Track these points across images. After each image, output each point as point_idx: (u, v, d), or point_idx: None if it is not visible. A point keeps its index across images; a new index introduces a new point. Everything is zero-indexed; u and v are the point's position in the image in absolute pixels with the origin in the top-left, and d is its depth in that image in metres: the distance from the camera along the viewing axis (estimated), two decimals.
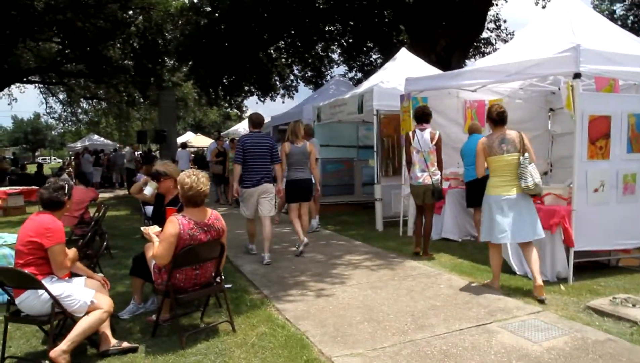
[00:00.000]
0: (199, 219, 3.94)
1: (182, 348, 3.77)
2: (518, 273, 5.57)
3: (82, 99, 28.81)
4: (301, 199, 7.19)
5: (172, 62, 22.66)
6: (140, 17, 19.65)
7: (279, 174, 6.87)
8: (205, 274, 4.06)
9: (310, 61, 21.91)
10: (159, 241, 3.92)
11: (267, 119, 15.60)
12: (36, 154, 70.53)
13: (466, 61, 16.96)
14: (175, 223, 3.82)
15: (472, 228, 7.71)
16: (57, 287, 3.58)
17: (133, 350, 3.77)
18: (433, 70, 9.92)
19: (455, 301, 4.75)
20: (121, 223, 10.59)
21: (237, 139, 9.52)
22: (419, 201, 6.65)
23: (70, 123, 32.69)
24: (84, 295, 3.67)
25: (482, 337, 3.88)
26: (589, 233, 5.23)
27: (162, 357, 3.67)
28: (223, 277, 4.33)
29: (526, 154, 4.86)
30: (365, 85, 10.66)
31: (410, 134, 6.64)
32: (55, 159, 67.94)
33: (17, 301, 3.61)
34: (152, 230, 4.17)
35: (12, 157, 31.53)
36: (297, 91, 23.29)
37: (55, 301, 3.51)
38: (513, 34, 20.88)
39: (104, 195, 16.83)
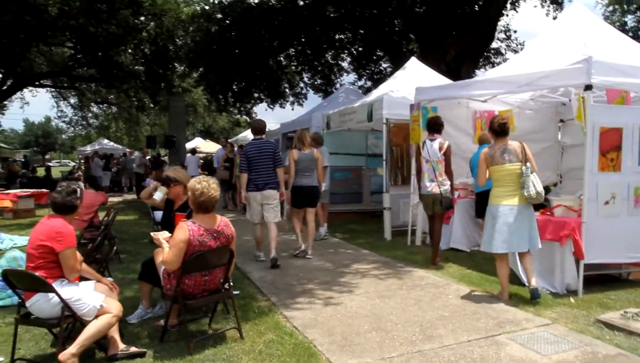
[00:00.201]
0: (209, 225, 3.95)
1: (189, 354, 3.77)
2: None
3: (92, 104, 29.12)
4: (307, 204, 7.37)
5: (182, 68, 22.83)
6: (152, 23, 19.81)
7: (281, 177, 7.03)
8: (214, 280, 4.07)
9: (320, 68, 21.98)
10: (168, 246, 3.94)
11: (276, 126, 15.71)
12: (46, 157, 71.05)
13: (476, 70, 16.94)
14: (185, 229, 3.83)
15: (480, 239, 7.65)
16: (67, 291, 3.61)
17: (141, 355, 3.78)
18: (443, 79, 9.91)
19: (463, 312, 4.72)
20: (130, 227, 10.64)
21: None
22: (429, 211, 6.70)
23: (80, 127, 33.09)
24: (94, 299, 3.69)
25: (490, 348, 3.85)
26: (599, 245, 5.19)
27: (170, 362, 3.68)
28: (232, 284, 4.34)
29: (528, 164, 4.92)
30: (375, 94, 10.66)
31: (421, 144, 6.74)
32: (60, 162, 68.48)
33: (27, 303, 3.63)
34: (162, 235, 4.18)
35: (23, 160, 31.72)
36: (306, 99, 23.38)
37: (65, 304, 3.53)
38: (523, 45, 20.88)
39: (113, 199, 16.88)
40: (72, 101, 29.07)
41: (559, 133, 8.92)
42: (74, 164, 45.67)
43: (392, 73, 15.15)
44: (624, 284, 5.63)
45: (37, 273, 3.52)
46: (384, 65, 22.28)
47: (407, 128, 8.29)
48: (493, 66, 20.21)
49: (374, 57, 21.66)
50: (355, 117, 9.80)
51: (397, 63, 15.66)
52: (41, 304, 3.59)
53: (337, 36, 20.27)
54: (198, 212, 3.99)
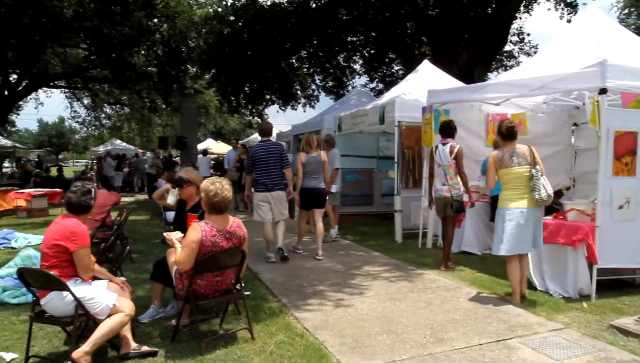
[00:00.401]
0: (221, 226, 3.98)
1: (201, 354, 3.79)
2: (539, 288, 5.49)
3: (105, 104, 29.35)
4: (314, 206, 7.53)
5: (194, 69, 22.96)
6: (165, 25, 19.93)
7: (289, 177, 7.27)
8: (225, 281, 4.08)
9: (331, 71, 22.01)
10: (181, 247, 3.96)
11: (288, 128, 15.74)
12: (59, 157, 71.77)
13: (488, 73, 16.87)
14: (198, 229, 3.85)
15: (492, 242, 7.62)
16: (81, 290, 3.64)
17: (153, 354, 3.80)
18: (455, 82, 9.88)
19: (475, 316, 4.70)
20: (142, 227, 10.71)
21: None
22: (441, 214, 6.73)
23: (93, 127, 33.36)
24: (107, 298, 3.73)
25: (502, 352, 3.83)
26: (613, 250, 5.14)
27: (181, 362, 3.70)
28: (243, 284, 4.36)
29: (538, 167, 4.93)
30: (387, 96, 10.65)
31: (434, 148, 6.80)
32: (72, 162, 69.11)
33: (42, 302, 3.67)
34: (174, 235, 4.21)
35: (36, 159, 32.04)
36: (318, 101, 23.43)
37: (79, 303, 3.56)
38: (537, 48, 20.75)
39: (125, 199, 17.00)
40: (85, 101, 29.37)
41: (572, 137, 8.84)
42: (85, 163, 46.09)
43: (404, 76, 15.13)
44: (637, 289, 5.56)
45: (51, 272, 3.56)
46: (396, 67, 22.28)
47: (419, 131, 8.28)
48: (506, 69, 20.15)
49: (386, 60, 21.64)
50: (367, 119, 9.80)
51: (409, 66, 15.65)
52: (55, 302, 3.63)
53: (349, 38, 20.30)
54: (211, 213, 4.01)
